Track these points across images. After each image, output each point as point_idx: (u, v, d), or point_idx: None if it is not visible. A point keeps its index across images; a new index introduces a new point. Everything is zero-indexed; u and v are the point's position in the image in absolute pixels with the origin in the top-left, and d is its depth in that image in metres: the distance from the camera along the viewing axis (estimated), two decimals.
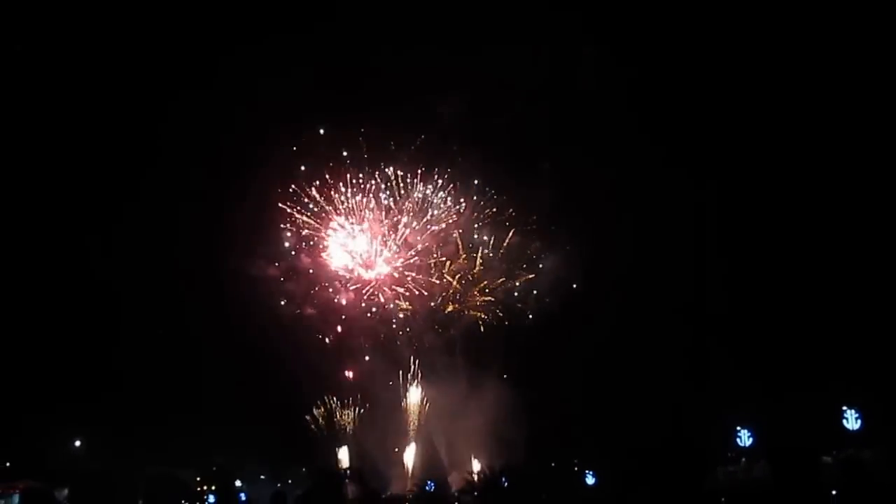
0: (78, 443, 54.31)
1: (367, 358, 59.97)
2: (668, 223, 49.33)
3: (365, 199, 58.98)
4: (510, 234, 58.63)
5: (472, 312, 59.82)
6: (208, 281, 54.79)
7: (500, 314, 59.68)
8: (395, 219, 59.55)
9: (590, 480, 42.89)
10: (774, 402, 42.86)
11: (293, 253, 59.16)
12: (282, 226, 58.51)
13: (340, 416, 58.66)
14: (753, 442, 44.23)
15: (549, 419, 50.93)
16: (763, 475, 36.63)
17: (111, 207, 53.30)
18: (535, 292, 59.28)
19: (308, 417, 56.22)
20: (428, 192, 58.79)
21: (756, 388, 45.43)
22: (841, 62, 44.12)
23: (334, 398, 58.48)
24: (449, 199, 59.30)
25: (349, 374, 60.24)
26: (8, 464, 52.19)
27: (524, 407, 54.21)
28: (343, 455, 56.26)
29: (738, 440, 45.15)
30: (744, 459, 44.02)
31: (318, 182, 58.10)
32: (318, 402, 57.78)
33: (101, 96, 51.03)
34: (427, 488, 49.44)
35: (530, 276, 59.61)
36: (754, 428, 44.58)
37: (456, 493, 50.75)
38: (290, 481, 54.49)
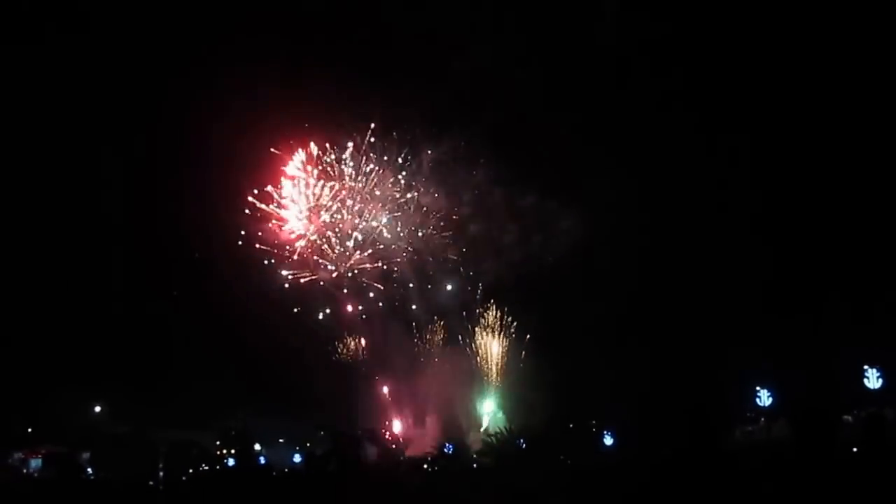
0: (98, 408, 54.74)
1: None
2: (688, 180, 48.88)
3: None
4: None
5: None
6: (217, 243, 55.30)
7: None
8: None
9: (608, 441, 42.83)
10: (794, 361, 42.65)
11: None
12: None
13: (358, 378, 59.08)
14: (773, 402, 44.03)
15: (566, 380, 50.91)
16: (782, 435, 36.47)
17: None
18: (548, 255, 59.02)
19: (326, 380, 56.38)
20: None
21: (776, 348, 45.23)
22: None
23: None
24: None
25: (363, 341, 60.57)
26: (30, 429, 52.73)
27: (542, 369, 54.26)
28: (362, 418, 56.55)
29: (757, 400, 44.94)
30: (763, 419, 43.88)
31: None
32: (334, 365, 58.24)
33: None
34: (446, 450, 49.63)
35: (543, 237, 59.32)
36: (774, 388, 44.36)
37: (474, 455, 50.95)
38: (307, 444, 54.75)
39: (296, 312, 57.69)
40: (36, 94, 50.32)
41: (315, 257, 59.39)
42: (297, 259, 58.96)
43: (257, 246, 57.81)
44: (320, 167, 58.50)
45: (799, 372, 41.15)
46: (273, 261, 58.35)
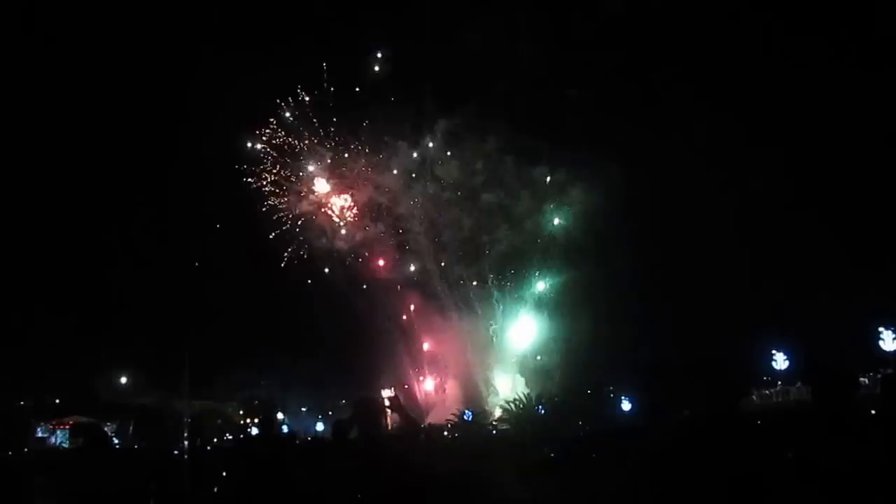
0: (125, 379, 55.39)
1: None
2: (704, 145, 48.76)
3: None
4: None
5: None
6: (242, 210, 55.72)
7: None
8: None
9: (626, 406, 43.08)
10: (810, 325, 42.64)
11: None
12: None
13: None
14: (790, 365, 44.17)
15: (584, 346, 51.11)
16: (799, 398, 36.63)
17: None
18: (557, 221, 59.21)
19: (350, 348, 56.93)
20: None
21: (791, 311, 45.26)
22: None
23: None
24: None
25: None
26: (58, 400, 53.44)
27: (559, 335, 54.52)
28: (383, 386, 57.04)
29: (773, 363, 45.08)
30: (780, 383, 44.05)
31: None
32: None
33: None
34: (465, 417, 50.04)
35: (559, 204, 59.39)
36: (790, 351, 44.46)
37: (494, 422, 51.35)
38: (330, 413, 55.28)
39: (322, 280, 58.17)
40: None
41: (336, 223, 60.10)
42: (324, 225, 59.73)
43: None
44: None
45: (814, 335, 41.16)
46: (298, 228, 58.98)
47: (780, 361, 44.72)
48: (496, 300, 60.07)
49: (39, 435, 48.58)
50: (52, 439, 47.82)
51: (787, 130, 48.93)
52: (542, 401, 49.66)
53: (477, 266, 60.21)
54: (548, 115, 53.43)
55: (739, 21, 48.53)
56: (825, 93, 46.81)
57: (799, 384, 39.03)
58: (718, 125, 48.02)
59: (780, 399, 40.80)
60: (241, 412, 57.32)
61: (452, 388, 60.45)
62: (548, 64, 52.08)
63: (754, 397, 40.89)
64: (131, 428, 49.44)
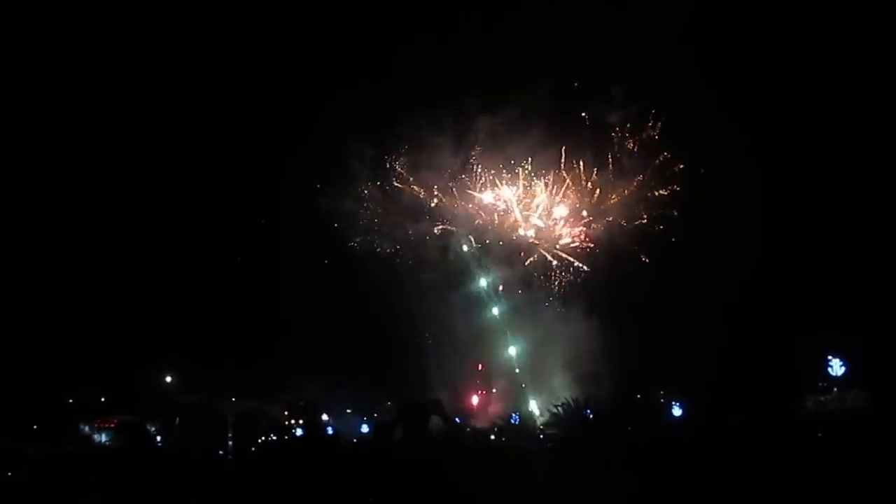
0: (169, 378, 55.73)
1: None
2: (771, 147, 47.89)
3: None
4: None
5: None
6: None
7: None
8: None
9: (676, 412, 42.31)
10: (866, 330, 41.63)
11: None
12: None
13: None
14: (846, 371, 42.93)
15: (634, 350, 50.51)
16: (857, 404, 35.67)
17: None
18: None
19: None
20: None
21: (848, 316, 44.22)
22: None
23: None
24: None
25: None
26: (103, 399, 53.93)
27: (609, 338, 53.79)
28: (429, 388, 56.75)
29: (829, 369, 43.87)
30: (836, 389, 42.87)
31: None
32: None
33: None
34: (512, 421, 49.57)
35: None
36: (847, 357, 43.28)
37: (541, 426, 50.81)
38: (375, 415, 55.16)
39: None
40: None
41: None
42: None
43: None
44: None
45: (871, 340, 40.14)
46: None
47: (836, 367, 43.48)
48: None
49: (85, 432, 49.01)
50: (98, 437, 48.20)
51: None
52: (591, 405, 48.98)
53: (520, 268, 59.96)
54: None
55: None
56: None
57: (855, 391, 38.04)
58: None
59: (836, 405, 39.69)
60: (286, 413, 57.34)
61: (499, 391, 59.94)
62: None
63: (809, 404, 39.92)
64: (175, 427, 49.73)
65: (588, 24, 50.20)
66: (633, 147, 55.77)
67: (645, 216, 56.26)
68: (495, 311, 60.50)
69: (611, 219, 57.84)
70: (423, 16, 50.21)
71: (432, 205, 59.88)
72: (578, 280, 59.06)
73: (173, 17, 51.32)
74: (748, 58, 49.31)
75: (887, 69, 45.52)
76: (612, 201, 57.47)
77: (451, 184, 59.31)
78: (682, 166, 54.16)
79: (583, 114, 55.93)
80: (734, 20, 49.25)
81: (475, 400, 61.14)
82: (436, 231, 60.01)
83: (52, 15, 48.73)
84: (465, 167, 58.76)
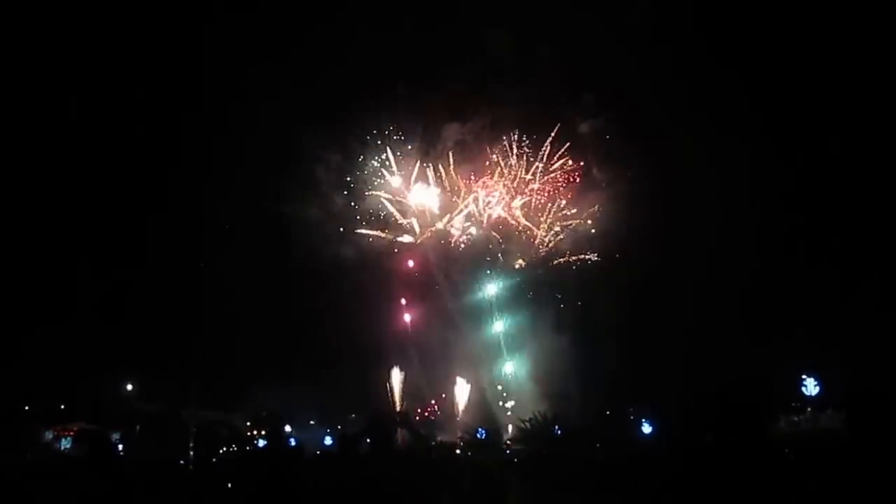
0: (130, 386, 54.80)
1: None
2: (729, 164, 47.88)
3: None
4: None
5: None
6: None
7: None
8: None
9: (646, 429, 41.85)
10: (842, 350, 41.50)
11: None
12: None
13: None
14: (820, 391, 42.63)
15: (603, 368, 50.30)
16: (831, 425, 35.36)
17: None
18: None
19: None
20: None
21: (822, 336, 44.15)
22: None
23: None
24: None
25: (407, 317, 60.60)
26: (63, 406, 52.81)
27: (577, 356, 53.50)
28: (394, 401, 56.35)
29: (803, 389, 43.54)
30: (809, 409, 42.58)
31: None
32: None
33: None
34: (479, 435, 49.04)
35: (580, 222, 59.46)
36: (821, 376, 43.02)
37: (508, 441, 50.29)
38: (339, 427, 54.66)
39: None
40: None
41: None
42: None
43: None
44: None
45: (846, 361, 39.99)
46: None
47: (811, 387, 43.15)
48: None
49: (47, 439, 48.06)
50: (58, 445, 47.28)
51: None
52: (559, 421, 48.51)
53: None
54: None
55: None
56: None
57: (830, 411, 37.76)
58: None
59: (809, 426, 39.38)
60: (248, 423, 56.64)
61: (467, 404, 59.58)
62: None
63: (781, 423, 39.62)
64: (137, 435, 48.86)
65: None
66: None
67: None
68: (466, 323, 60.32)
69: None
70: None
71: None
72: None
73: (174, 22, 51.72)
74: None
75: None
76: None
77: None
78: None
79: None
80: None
81: (439, 412, 60.91)
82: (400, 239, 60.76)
83: None
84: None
